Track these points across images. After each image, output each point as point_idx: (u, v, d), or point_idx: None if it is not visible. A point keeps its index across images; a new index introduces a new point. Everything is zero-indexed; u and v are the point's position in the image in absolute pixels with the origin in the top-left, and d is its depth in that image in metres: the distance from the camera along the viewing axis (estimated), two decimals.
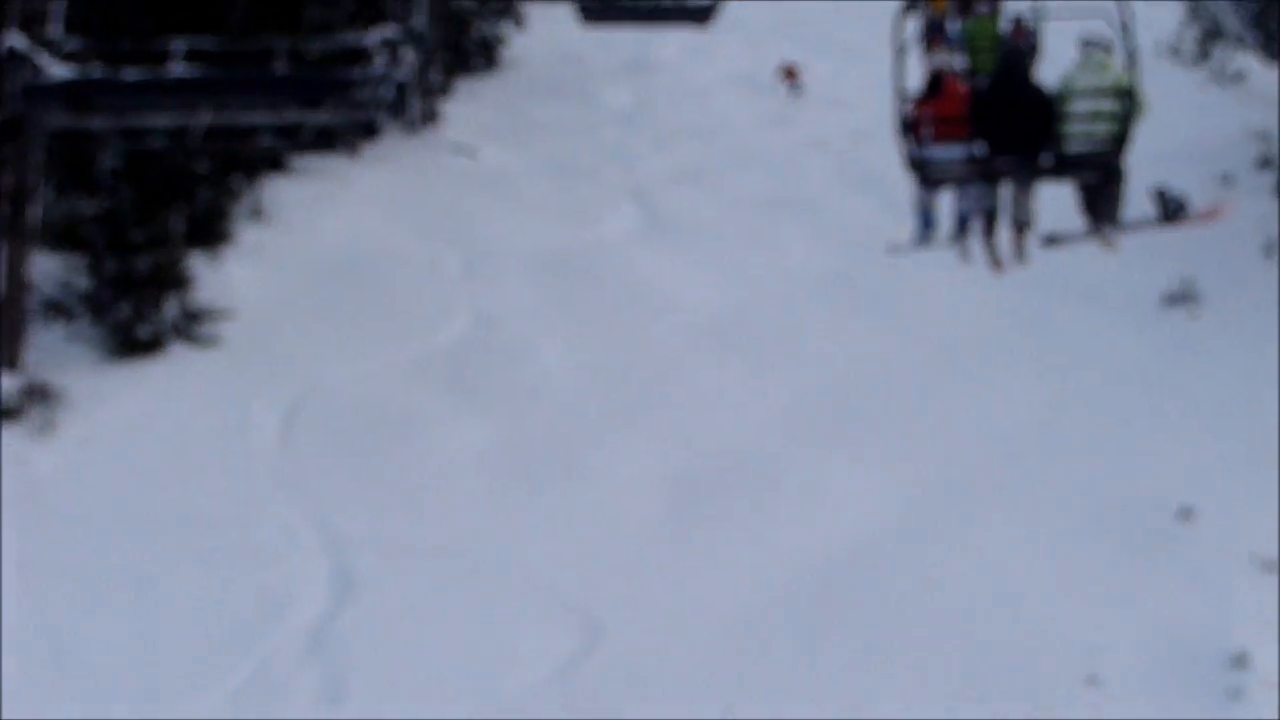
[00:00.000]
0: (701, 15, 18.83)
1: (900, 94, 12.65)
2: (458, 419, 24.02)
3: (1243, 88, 48.09)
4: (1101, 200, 12.87)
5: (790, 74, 46.28)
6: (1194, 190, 34.11)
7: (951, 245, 14.05)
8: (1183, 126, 38.85)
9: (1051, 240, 14.08)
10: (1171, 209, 13.11)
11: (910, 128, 12.75)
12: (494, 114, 43.18)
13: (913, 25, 14.86)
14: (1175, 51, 51.80)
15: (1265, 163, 37.27)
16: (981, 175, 12.95)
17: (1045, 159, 12.57)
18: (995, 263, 14.04)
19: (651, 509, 21.74)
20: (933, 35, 15.88)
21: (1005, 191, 13.29)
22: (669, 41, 54.39)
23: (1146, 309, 29.03)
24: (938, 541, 21.23)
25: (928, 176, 13.21)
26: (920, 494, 22.54)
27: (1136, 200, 13.52)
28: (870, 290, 29.82)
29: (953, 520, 21.75)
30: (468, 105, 43.81)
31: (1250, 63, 51.70)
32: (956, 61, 15.17)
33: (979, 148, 12.70)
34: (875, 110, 42.40)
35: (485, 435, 23.60)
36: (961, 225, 13.74)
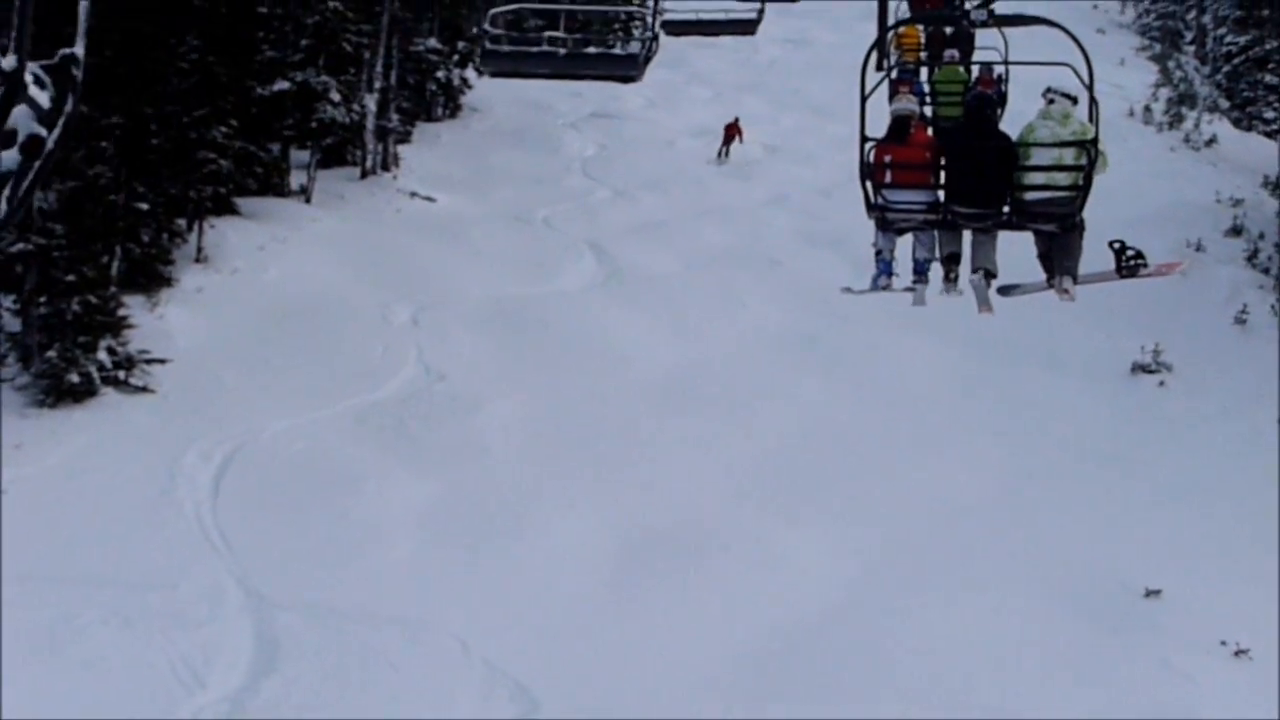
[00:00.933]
0: (630, 68, 18.65)
1: (864, 138, 12.18)
2: (398, 476, 23.04)
3: (1215, 152, 47.72)
4: (1060, 251, 12.39)
5: (732, 131, 44.90)
6: (1165, 259, 33.75)
7: (908, 291, 13.36)
8: (1155, 192, 38.44)
9: (1007, 291, 13.45)
10: (1129, 261, 12.51)
11: (871, 172, 12.33)
12: (454, 160, 42.44)
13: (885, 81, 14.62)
14: (1148, 111, 51.62)
15: (1236, 230, 36.73)
16: (941, 223, 12.52)
17: (1005, 208, 12.20)
18: (954, 293, 13.21)
19: (595, 575, 20.76)
20: (900, 82, 15.70)
21: (967, 240, 12.82)
22: (634, 93, 53.93)
23: (1114, 377, 28.35)
24: (893, 615, 20.30)
25: (887, 221, 12.77)
26: (876, 565, 21.65)
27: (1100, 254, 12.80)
28: (830, 350, 29.08)
29: (909, 593, 20.83)
30: (428, 151, 43.07)
31: (1222, 128, 51.51)
32: (922, 109, 15.11)
33: (940, 195, 12.39)
34: (840, 168, 42.24)
35: (426, 494, 22.61)
36: (919, 272, 13.15)
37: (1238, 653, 19.65)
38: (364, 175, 38.14)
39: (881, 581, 21.18)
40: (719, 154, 44.80)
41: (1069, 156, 11.75)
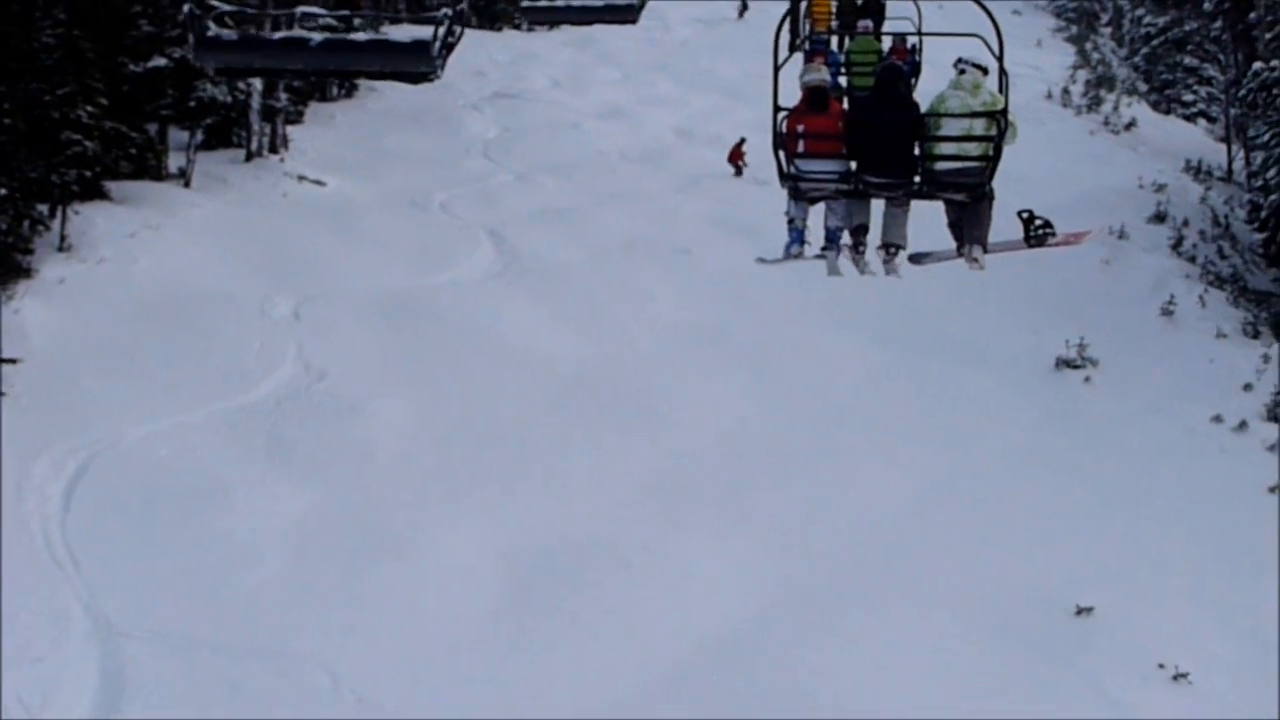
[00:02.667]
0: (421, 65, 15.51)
1: (777, 107, 12.28)
2: (269, 487, 21.06)
3: (1134, 136, 46.61)
4: (970, 220, 12.70)
5: (737, 156, 40.41)
6: (1087, 249, 32.40)
7: (820, 259, 13.63)
8: (1075, 177, 37.16)
9: (918, 259, 13.80)
10: (1037, 231, 13.01)
11: (784, 141, 12.50)
12: (347, 142, 40.39)
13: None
14: (1066, 93, 50.48)
15: (1159, 217, 35.48)
16: (853, 192, 12.77)
17: (915, 178, 12.46)
18: (862, 273, 13.69)
19: (483, 600, 18.90)
20: (814, 53, 16.27)
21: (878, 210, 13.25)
22: (540, 73, 52.12)
23: (1038, 373, 26.98)
24: (807, 635, 18.75)
25: (800, 191, 12.99)
26: (789, 580, 20.01)
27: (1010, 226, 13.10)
28: (742, 346, 27.47)
29: (825, 610, 19.27)
30: (320, 132, 40.96)
31: (1141, 111, 50.47)
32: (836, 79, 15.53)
33: (852, 165, 12.61)
34: (753, 151, 40.67)
35: (299, 507, 20.64)
36: (830, 241, 13.44)
37: (1176, 676, 18.25)
38: (249, 158, 35.95)
39: (795, 598, 19.59)
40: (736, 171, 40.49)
41: (979, 126, 11.89)
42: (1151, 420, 25.27)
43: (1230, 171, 45.10)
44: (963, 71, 12.18)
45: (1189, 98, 56.09)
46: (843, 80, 18.30)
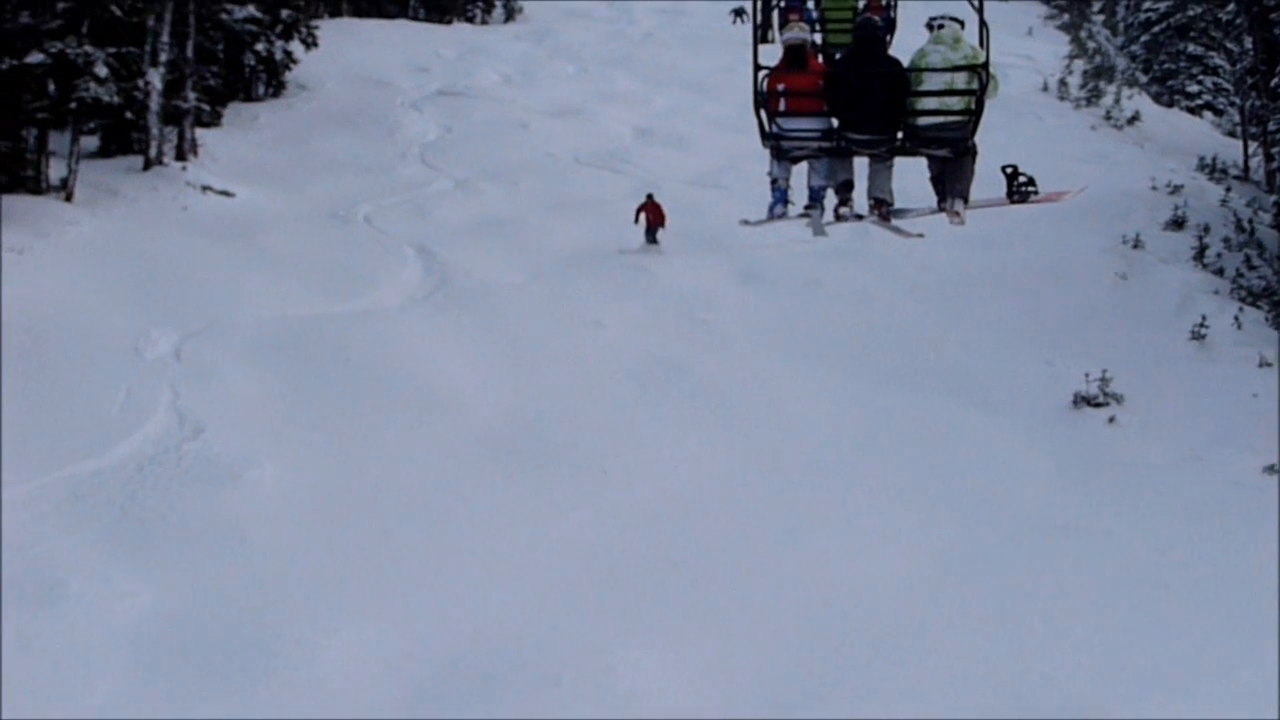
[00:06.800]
0: None
1: (758, 66, 12.26)
2: (111, 578, 16.79)
3: (1139, 130, 42.69)
4: (952, 175, 12.64)
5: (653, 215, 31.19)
6: (1101, 260, 28.35)
7: (803, 217, 13.58)
8: (1081, 179, 32.77)
9: (899, 214, 13.38)
10: (1020, 188, 12.91)
11: (765, 101, 12.52)
12: (268, 147, 36.44)
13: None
14: (1063, 85, 46.70)
15: (1178, 223, 31.44)
16: (835, 150, 12.79)
17: (897, 134, 12.47)
18: (852, 220, 13.45)
19: None
20: (789, 11, 15.84)
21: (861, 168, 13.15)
22: (490, 68, 48.16)
23: (1053, 413, 22.96)
24: None
25: (782, 150, 12.99)
26: (762, 687, 15.85)
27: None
28: (704, 383, 23.46)
29: None
30: (240, 136, 36.85)
31: (1143, 103, 46.64)
32: (812, 37, 14.81)
33: (834, 122, 12.61)
34: (719, 152, 36.63)
35: (146, 604, 16.39)
36: (813, 200, 13.47)
37: None
38: (147, 165, 31.81)
39: (766, 708, 15.45)
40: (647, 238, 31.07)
41: (960, 81, 11.86)
42: (1191, 472, 21.12)
43: (1247, 169, 41.25)
44: (940, 26, 12.14)
45: (1194, 89, 52.31)
46: (818, 38, 17.08)
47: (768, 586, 17.64)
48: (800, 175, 13.25)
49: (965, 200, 12.57)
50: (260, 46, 40.73)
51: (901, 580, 17.98)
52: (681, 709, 15.39)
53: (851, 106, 12.29)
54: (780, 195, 13.41)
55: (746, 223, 14.50)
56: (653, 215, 30.72)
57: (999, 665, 16.31)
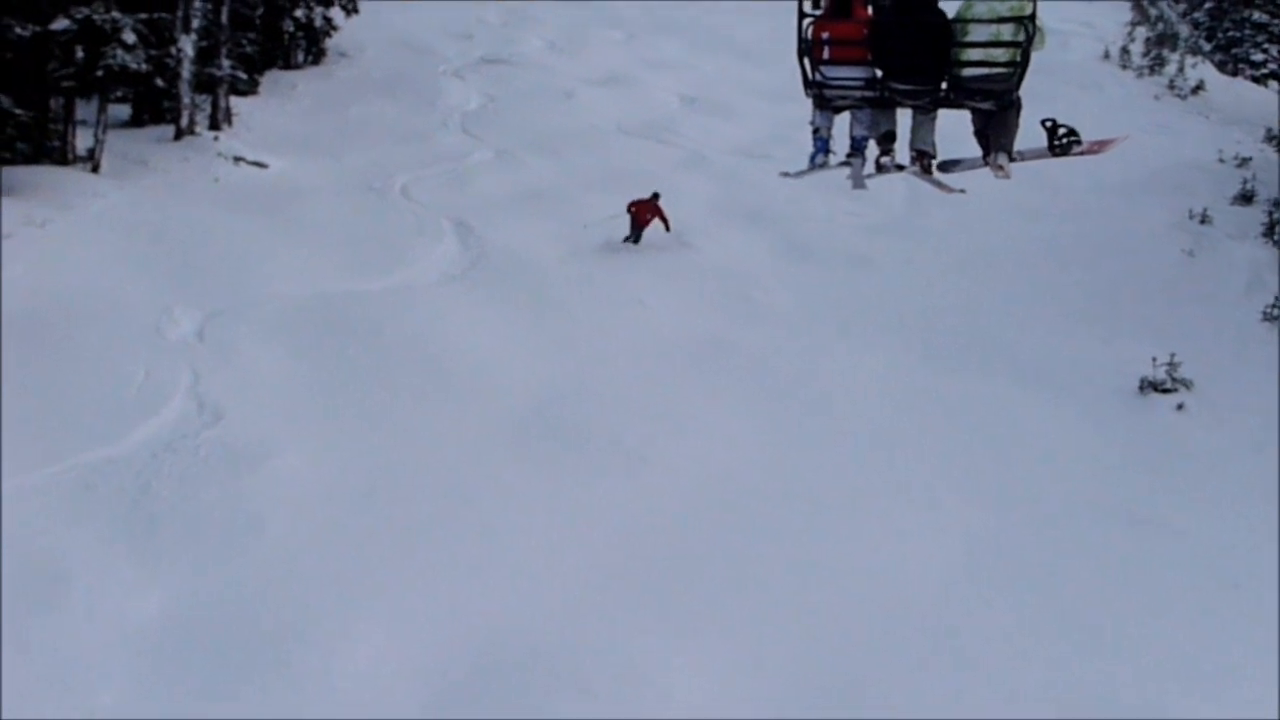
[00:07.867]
0: None
1: (802, 13, 12.08)
2: (120, 574, 15.98)
3: (1203, 100, 41.18)
4: (997, 128, 12.46)
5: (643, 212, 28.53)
6: (1166, 236, 27.07)
7: (844, 165, 13.36)
8: (1146, 151, 31.79)
9: (943, 167, 13.27)
10: (1062, 140, 12.64)
11: (809, 48, 12.38)
12: (306, 116, 35.58)
13: None
14: (1125, 53, 45.21)
15: (1246, 197, 30.07)
16: (879, 100, 12.63)
17: (941, 85, 12.26)
18: (894, 170, 13.40)
19: None
20: None
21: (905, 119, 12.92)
22: (535, 35, 47.12)
23: (1118, 399, 21.80)
24: None
25: (825, 99, 12.93)
26: (799, 690, 14.88)
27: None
28: (748, 363, 22.55)
29: None
30: (277, 104, 36.00)
31: (1207, 72, 45.09)
32: None
33: (878, 72, 12.44)
34: (767, 122, 35.50)
35: (157, 603, 15.57)
36: (855, 149, 13.35)
37: None
38: (179, 135, 30.99)
39: (811, 708, 14.46)
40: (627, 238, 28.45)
41: (1006, 32, 11.70)
42: (1264, 462, 19.98)
43: None
44: None
45: (1259, 57, 50.60)
46: None
47: (806, 582, 16.69)
48: (842, 125, 13.15)
49: (1009, 154, 12.49)
50: (299, 12, 39.93)
51: (948, 575, 16.99)
52: (711, 710, 14.47)
53: (896, 56, 12.21)
54: (822, 144, 13.45)
55: (787, 174, 14.57)
56: (646, 216, 28.28)
57: (1051, 670, 15.38)
